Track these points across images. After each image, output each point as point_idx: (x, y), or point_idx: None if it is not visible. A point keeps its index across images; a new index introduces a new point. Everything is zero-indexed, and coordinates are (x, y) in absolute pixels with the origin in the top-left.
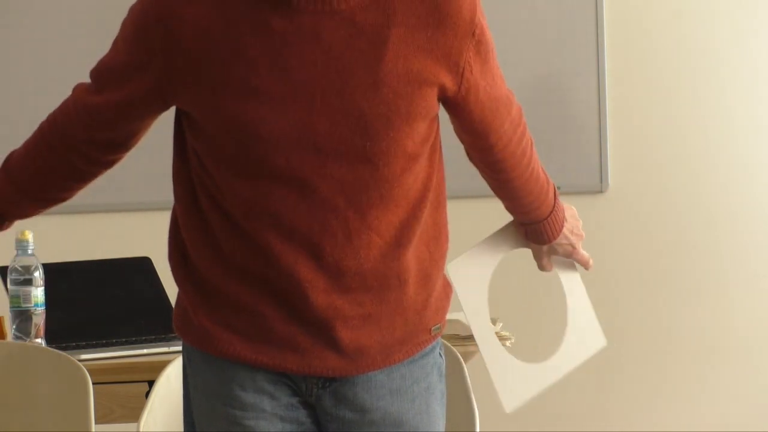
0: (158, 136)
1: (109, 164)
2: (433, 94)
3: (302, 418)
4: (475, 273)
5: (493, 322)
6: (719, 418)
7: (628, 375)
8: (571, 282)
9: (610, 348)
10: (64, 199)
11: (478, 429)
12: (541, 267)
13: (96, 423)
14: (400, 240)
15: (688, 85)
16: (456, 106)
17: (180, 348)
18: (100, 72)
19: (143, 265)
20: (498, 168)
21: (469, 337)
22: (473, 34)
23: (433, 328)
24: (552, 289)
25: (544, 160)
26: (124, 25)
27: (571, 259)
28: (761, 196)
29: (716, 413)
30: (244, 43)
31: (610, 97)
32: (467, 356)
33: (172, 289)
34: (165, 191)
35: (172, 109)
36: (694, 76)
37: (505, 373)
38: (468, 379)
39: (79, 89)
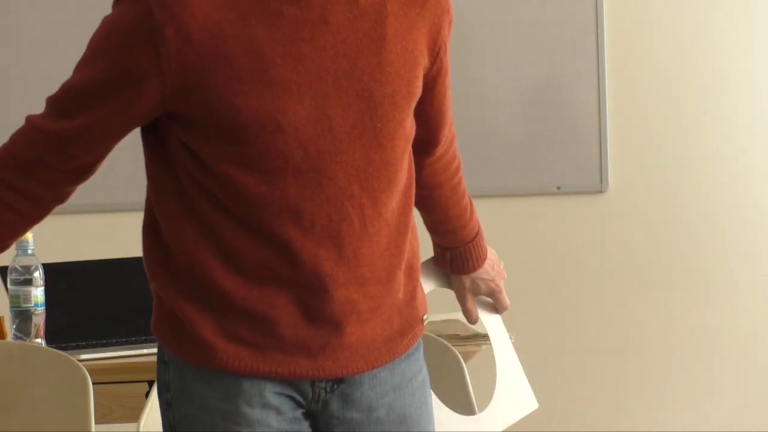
0: None
1: (67, 196)
2: (422, 74)
3: (304, 430)
4: None
5: None
6: (722, 418)
7: (628, 375)
8: (499, 339)
9: (612, 348)
10: (4, 249)
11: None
12: (466, 311)
13: (96, 423)
14: (400, 227)
15: (687, 85)
16: (426, 86)
17: None
18: (69, 96)
19: (143, 265)
20: (432, 170)
21: (469, 337)
22: (448, 12)
23: (424, 317)
24: (552, 288)
25: (545, 160)
26: (105, 37)
27: (493, 305)
28: (761, 195)
29: (719, 413)
30: (256, 34)
31: (610, 97)
32: (467, 356)
33: None
34: None
35: None
36: (693, 75)
37: (438, 413)
38: (468, 379)
39: (36, 119)
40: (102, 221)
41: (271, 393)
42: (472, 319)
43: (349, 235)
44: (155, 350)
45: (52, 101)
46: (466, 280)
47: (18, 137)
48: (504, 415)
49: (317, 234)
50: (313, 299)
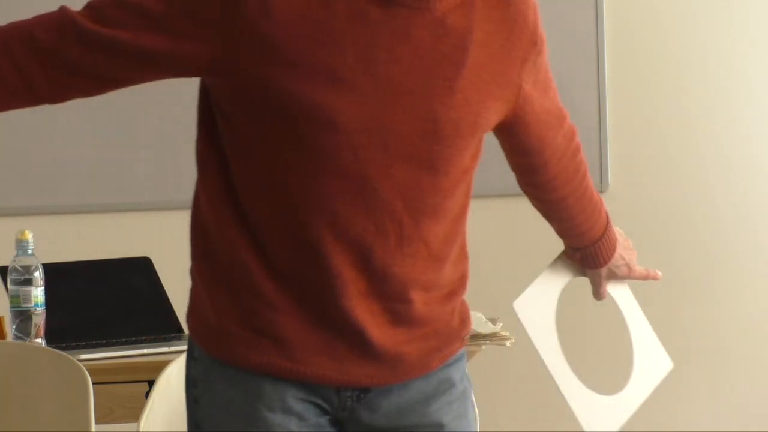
0: (157, 136)
1: (58, 100)
2: (495, 107)
3: None
4: (540, 309)
5: (493, 321)
6: (724, 417)
7: (628, 375)
8: (628, 305)
9: (612, 348)
10: None
11: (478, 429)
12: (599, 295)
13: (96, 423)
14: (440, 254)
15: (688, 85)
16: (514, 119)
17: (180, 347)
18: (120, 7)
19: (143, 265)
20: (552, 186)
21: (471, 337)
22: (535, 44)
23: (465, 337)
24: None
25: None
26: None
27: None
28: (762, 195)
29: (721, 412)
30: (337, 27)
31: (610, 97)
32: (467, 356)
33: (172, 289)
34: (165, 191)
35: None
36: (694, 75)
37: (585, 408)
38: None
39: (74, 12)
40: (102, 221)
41: (293, 399)
42: (601, 297)
43: (382, 250)
44: (155, 350)
45: (96, 5)
46: (602, 270)
47: (46, 22)
48: (645, 385)
49: (348, 241)
50: (335, 303)
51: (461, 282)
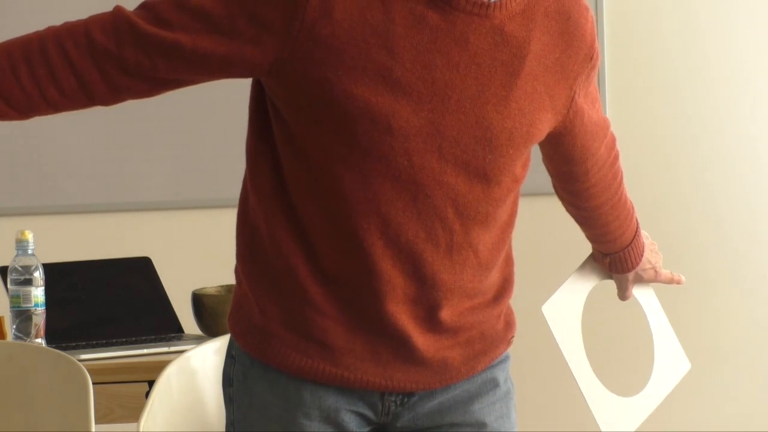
0: (158, 137)
1: (111, 102)
2: (546, 118)
3: None
4: (567, 311)
5: None
6: (723, 417)
7: (630, 374)
8: (651, 306)
9: (612, 348)
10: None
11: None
12: (624, 297)
13: (96, 423)
14: (488, 262)
15: (688, 86)
16: (563, 130)
17: (180, 347)
18: (177, 9)
19: (143, 265)
20: (589, 194)
21: None
22: (591, 59)
23: (510, 338)
24: (552, 288)
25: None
26: None
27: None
28: (762, 197)
29: (715, 412)
30: (396, 31)
31: (610, 97)
32: None
33: (172, 289)
34: (166, 191)
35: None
36: (694, 76)
37: (604, 409)
38: None
39: (130, 14)
40: (102, 221)
41: (334, 407)
42: (626, 299)
43: (432, 257)
44: (155, 350)
45: (152, 6)
46: (630, 274)
47: (101, 22)
48: (663, 386)
49: (400, 247)
50: (381, 308)
51: (506, 285)
